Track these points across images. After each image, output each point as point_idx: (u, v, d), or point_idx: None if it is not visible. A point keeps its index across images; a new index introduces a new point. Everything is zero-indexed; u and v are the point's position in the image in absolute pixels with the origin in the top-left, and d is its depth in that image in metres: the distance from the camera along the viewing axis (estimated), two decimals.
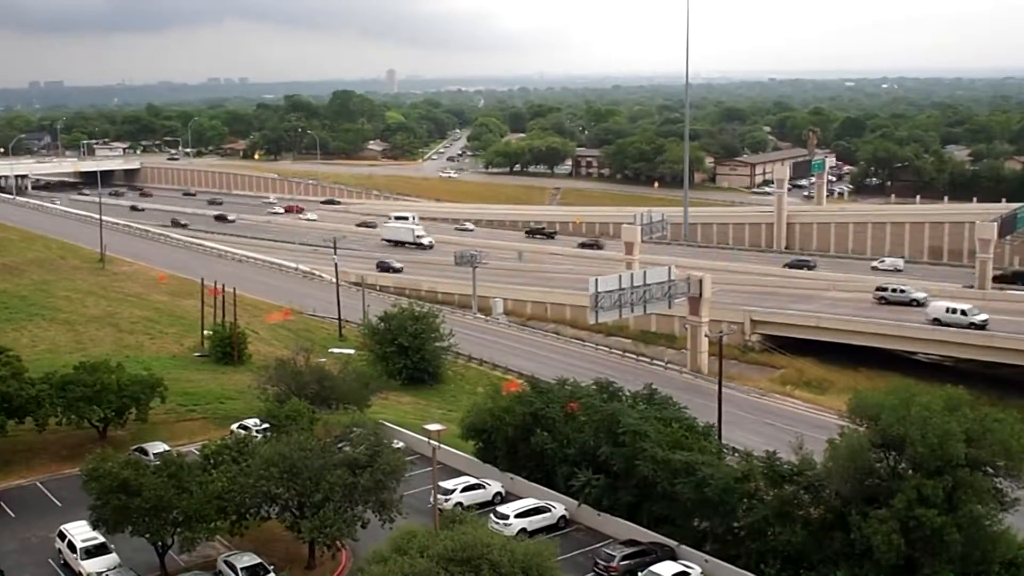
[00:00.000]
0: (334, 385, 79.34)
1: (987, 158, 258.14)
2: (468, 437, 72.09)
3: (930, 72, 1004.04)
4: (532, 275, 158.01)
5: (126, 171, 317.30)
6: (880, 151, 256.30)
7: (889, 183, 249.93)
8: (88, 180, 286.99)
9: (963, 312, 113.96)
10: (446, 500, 62.66)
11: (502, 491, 66.91)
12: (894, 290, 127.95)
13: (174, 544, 54.78)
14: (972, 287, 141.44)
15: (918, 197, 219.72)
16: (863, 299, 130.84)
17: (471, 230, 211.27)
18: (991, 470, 51.85)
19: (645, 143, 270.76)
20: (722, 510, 55.89)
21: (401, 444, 69.11)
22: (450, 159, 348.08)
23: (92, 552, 55.28)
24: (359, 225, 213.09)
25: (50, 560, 57.73)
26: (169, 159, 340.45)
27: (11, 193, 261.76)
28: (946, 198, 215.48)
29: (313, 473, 53.72)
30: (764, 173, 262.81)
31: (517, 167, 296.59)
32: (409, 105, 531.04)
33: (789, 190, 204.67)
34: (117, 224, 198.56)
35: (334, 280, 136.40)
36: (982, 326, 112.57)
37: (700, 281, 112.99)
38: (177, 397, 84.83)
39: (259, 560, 54.44)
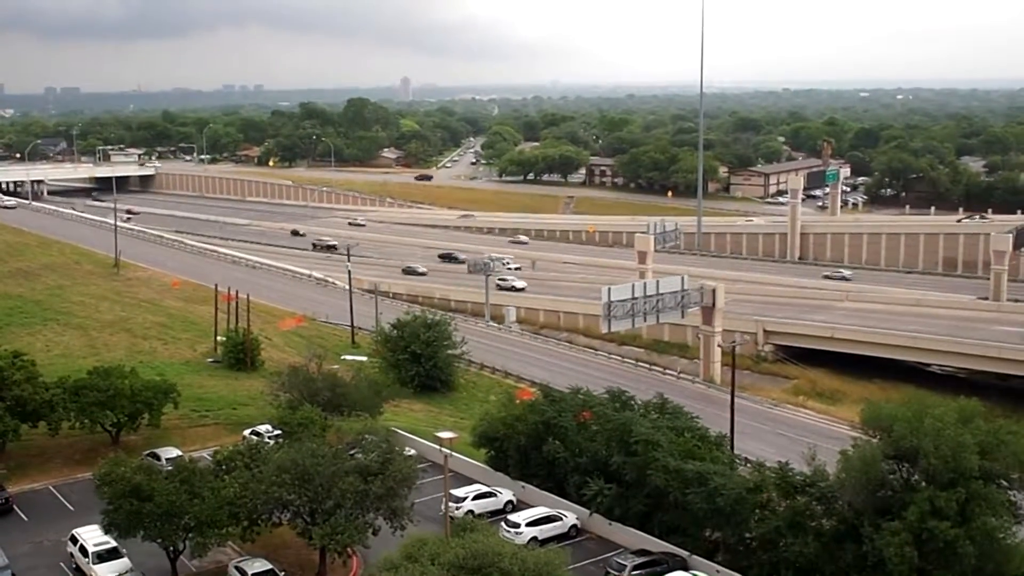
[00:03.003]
0: (346, 392, 79.35)
1: (1002, 169, 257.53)
2: (480, 445, 72.04)
3: (945, 83, 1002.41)
4: (545, 284, 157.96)
5: (141, 177, 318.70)
6: (895, 162, 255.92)
7: (904, 194, 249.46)
8: (103, 186, 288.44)
9: None
10: (457, 508, 62.60)
11: (513, 499, 66.86)
12: None
13: (186, 549, 54.91)
14: (987, 298, 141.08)
15: (933, 208, 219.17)
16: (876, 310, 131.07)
17: (362, 224, 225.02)
18: (1005, 482, 51.65)
19: (659, 152, 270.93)
20: (734, 520, 55.72)
21: (413, 451, 68.89)
22: (473, 163, 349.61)
23: (104, 556, 55.43)
24: None
25: (62, 564, 57.88)
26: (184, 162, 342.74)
27: (28, 198, 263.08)
28: (961, 209, 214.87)
29: (325, 480, 53.74)
30: (778, 183, 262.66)
31: (531, 175, 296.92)
32: (423, 113, 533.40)
33: (803, 200, 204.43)
34: (131, 230, 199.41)
35: (347, 287, 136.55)
36: None
37: (713, 291, 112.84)
38: (190, 403, 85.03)
39: (270, 566, 54.52)
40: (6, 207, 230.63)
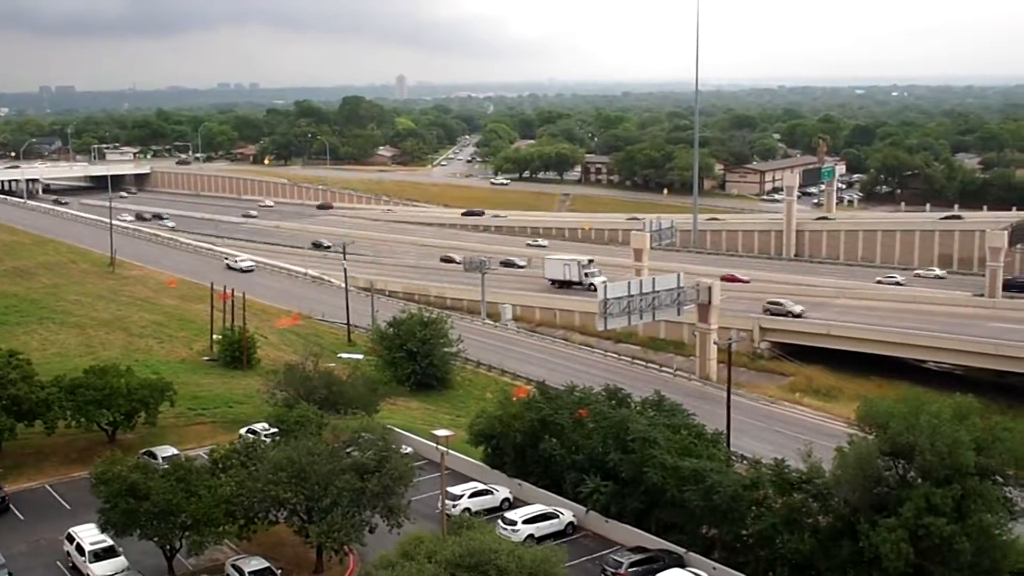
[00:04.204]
0: (343, 390, 79.40)
1: (998, 166, 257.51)
2: (476, 443, 72.05)
3: (941, 80, 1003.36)
4: (541, 281, 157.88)
5: (136, 176, 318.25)
6: (890, 159, 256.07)
7: (899, 191, 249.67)
8: (98, 184, 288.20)
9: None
10: (454, 506, 62.63)
11: (510, 497, 66.87)
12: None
13: (182, 548, 54.87)
14: (982, 295, 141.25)
15: (928, 205, 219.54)
16: (873, 307, 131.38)
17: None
18: (1000, 479, 51.72)
19: (654, 150, 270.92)
20: (730, 517, 55.77)
21: (409, 449, 69.11)
22: (468, 161, 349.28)
23: (100, 555, 55.41)
24: None
25: (58, 563, 57.84)
26: (179, 163, 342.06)
27: (23, 197, 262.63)
28: (956, 206, 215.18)
29: (321, 478, 53.79)
30: (774, 180, 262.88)
31: (526, 173, 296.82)
32: (419, 111, 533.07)
33: (799, 197, 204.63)
34: (127, 228, 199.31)
35: (343, 285, 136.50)
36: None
37: (709, 288, 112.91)
38: (186, 401, 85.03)
39: (267, 564, 54.52)
40: (242, 270, 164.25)
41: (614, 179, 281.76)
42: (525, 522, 60.88)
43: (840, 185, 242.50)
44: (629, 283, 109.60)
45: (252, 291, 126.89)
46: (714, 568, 55.18)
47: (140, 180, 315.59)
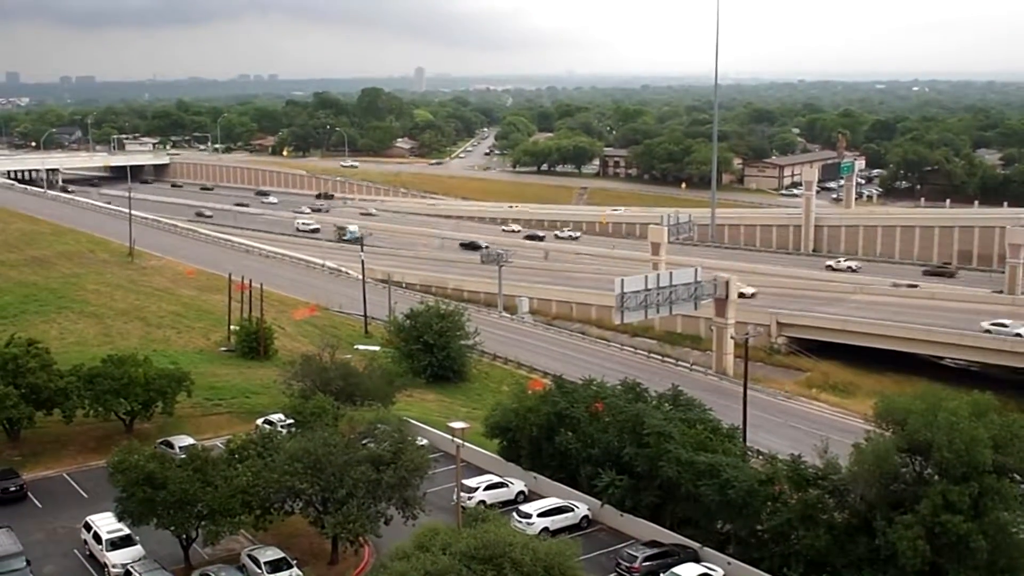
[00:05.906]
0: (359, 382, 79.44)
1: (1019, 162, 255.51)
2: (492, 435, 72.12)
3: (962, 75, 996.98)
4: (558, 274, 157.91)
5: (156, 166, 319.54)
6: (910, 154, 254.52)
7: (919, 186, 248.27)
8: (117, 175, 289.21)
9: None
10: (469, 498, 62.71)
11: (525, 490, 66.90)
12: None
13: (198, 537, 55.17)
14: (1001, 292, 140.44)
15: (948, 201, 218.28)
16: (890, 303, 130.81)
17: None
18: (1018, 477, 51.52)
19: (673, 143, 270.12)
20: (746, 513, 55.68)
21: (425, 441, 68.97)
22: (487, 154, 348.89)
23: (117, 544, 55.70)
24: None
25: (76, 551, 58.20)
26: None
27: (42, 187, 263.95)
28: (976, 202, 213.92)
29: (337, 469, 53.91)
30: (792, 175, 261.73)
31: (545, 166, 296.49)
32: (437, 103, 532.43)
33: (818, 192, 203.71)
34: (146, 218, 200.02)
35: (361, 277, 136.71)
36: None
37: (727, 283, 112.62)
38: (203, 391, 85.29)
39: (283, 554, 54.66)
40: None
41: (632, 173, 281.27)
42: (540, 515, 60.95)
43: (860, 180, 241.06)
44: (646, 277, 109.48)
45: (269, 282, 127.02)
46: (729, 563, 55.10)
47: (159, 170, 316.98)
